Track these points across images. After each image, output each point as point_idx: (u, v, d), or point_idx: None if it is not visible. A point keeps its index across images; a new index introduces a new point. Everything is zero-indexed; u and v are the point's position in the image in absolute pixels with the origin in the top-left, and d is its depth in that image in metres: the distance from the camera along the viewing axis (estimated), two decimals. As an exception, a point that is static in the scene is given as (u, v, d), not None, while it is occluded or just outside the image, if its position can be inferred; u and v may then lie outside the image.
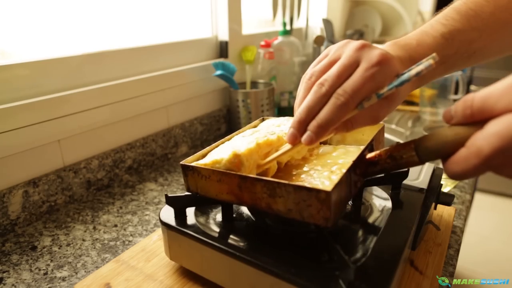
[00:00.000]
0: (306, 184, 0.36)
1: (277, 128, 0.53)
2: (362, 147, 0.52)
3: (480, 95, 0.29)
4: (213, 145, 0.51)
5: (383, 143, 0.51)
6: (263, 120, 0.60)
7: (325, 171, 0.45)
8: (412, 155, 0.36)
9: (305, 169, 0.48)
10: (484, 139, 0.28)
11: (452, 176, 0.31)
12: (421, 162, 0.36)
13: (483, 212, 2.12)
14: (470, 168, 0.29)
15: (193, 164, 0.44)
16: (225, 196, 0.43)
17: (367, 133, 0.52)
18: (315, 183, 0.43)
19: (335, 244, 0.41)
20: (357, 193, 0.50)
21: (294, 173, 0.48)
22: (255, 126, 0.58)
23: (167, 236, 0.48)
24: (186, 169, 0.45)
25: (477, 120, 0.30)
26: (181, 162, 0.45)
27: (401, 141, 0.40)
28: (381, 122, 0.49)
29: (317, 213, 0.36)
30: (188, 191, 0.46)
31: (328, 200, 0.34)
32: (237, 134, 0.54)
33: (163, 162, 0.87)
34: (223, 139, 0.52)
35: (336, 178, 0.42)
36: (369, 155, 0.42)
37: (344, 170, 0.37)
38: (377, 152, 0.41)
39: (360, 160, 0.41)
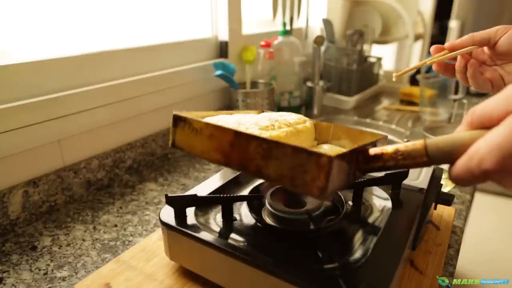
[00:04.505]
0: (307, 147, 0.33)
1: (280, 117, 0.51)
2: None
3: (481, 105, 0.32)
4: (210, 112, 0.49)
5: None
6: (262, 112, 0.59)
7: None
8: (421, 153, 0.33)
9: None
10: (483, 141, 0.30)
11: (454, 179, 0.31)
12: (430, 162, 0.33)
13: (483, 212, 2.12)
14: (469, 171, 0.30)
15: (186, 115, 0.41)
16: (212, 155, 0.39)
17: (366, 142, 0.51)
18: None
19: (335, 244, 0.41)
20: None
21: None
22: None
23: (167, 236, 0.48)
24: (178, 120, 0.41)
25: (477, 127, 0.31)
26: (174, 112, 0.41)
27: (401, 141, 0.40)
28: (384, 133, 0.50)
29: (312, 181, 0.32)
30: (172, 145, 0.42)
31: (329, 167, 0.31)
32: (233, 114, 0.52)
33: (163, 162, 0.87)
34: (219, 111, 0.50)
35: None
36: (373, 150, 0.38)
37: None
38: (383, 147, 0.37)
39: (364, 150, 0.38)
